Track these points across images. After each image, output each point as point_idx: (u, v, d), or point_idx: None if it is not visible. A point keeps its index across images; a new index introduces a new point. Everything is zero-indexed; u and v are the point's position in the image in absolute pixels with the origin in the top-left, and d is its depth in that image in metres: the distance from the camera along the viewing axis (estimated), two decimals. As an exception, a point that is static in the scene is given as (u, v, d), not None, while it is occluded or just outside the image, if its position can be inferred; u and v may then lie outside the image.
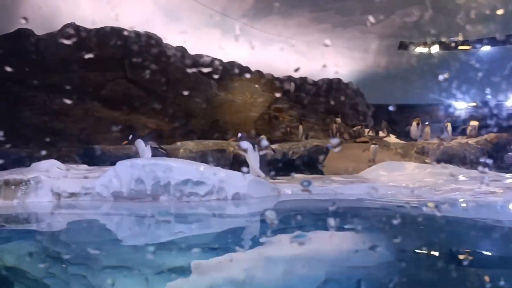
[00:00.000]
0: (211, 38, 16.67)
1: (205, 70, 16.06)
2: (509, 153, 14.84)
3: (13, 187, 6.68)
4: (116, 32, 13.22)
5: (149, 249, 4.43)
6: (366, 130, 21.40)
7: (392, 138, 20.80)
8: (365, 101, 24.61)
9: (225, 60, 17.02)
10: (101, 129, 12.55)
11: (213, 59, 17.27)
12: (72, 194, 6.69)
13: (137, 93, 13.68)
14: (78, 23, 12.79)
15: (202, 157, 11.05)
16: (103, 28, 13.18)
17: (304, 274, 3.56)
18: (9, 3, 12.71)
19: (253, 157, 8.29)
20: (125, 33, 13.48)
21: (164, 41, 14.80)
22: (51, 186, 6.70)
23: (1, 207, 6.45)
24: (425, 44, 24.30)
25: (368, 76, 24.20)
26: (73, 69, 12.70)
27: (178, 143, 11.58)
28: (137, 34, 13.76)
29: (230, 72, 16.44)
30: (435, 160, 14.28)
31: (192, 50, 16.48)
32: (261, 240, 4.84)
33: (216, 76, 16.10)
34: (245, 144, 8.45)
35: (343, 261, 3.94)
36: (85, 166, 8.41)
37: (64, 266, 3.89)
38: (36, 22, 12.94)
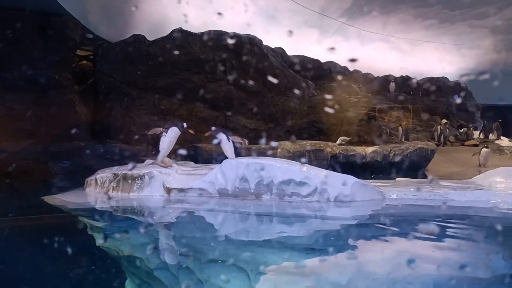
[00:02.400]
0: (310, 39, 16.63)
1: (303, 70, 16.04)
2: None
3: (130, 181, 7.27)
4: (218, 35, 13.81)
5: (252, 247, 4.50)
6: (475, 132, 19.66)
7: (505, 141, 18.90)
8: (474, 101, 22.67)
9: (323, 60, 16.88)
10: (204, 129, 13.17)
11: (311, 59, 17.30)
12: (181, 190, 7.07)
13: (237, 94, 14.13)
14: (184, 28, 13.64)
15: (299, 157, 11.03)
16: (207, 32, 13.85)
17: (406, 283, 3.33)
18: (126, 12, 13.94)
19: (228, 147, 7.98)
20: (227, 36, 14.01)
21: (264, 42, 15.09)
22: (163, 181, 7.16)
23: (119, 199, 7.06)
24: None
25: (478, 74, 22.23)
26: (179, 72, 13.52)
27: (276, 143, 11.71)
28: (238, 36, 14.20)
29: (328, 72, 16.25)
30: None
31: (290, 51, 16.61)
32: (362, 244, 4.66)
33: (313, 76, 16.02)
34: (220, 135, 8.14)
35: (451, 271, 3.62)
36: (192, 164, 8.84)
37: (173, 257, 4.09)
38: (148, 28, 14.03)
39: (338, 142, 13.59)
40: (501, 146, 17.21)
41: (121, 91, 13.11)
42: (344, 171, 9.74)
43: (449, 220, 5.73)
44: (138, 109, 13.29)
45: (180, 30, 13.36)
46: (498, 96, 19.99)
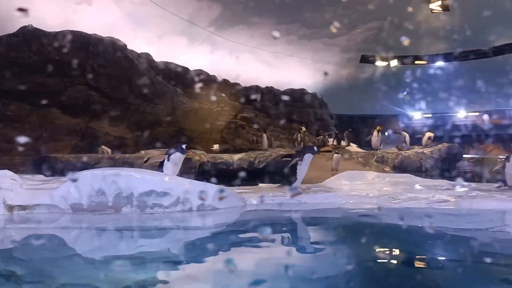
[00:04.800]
0: (178, 46, 16.49)
1: (171, 77, 15.83)
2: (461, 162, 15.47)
3: (-40, 199, 6.25)
4: (77, 36, 12.82)
5: (110, 265, 4.24)
6: (330, 140, 21.68)
7: (354, 147, 21.16)
8: (328, 111, 25.07)
9: (191, 68, 16.92)
10: (59, 137, 12.05)
11: (180, 67, 17.18)
12: (26, 207, 6.33)
13: (99, 100, 13.27)
14: (35, 26, 12.33)
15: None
16: (62, 31, 12.72)
17: (271, 286, 3.50)
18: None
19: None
20: (87, 37, 13.11)
21: (129, 47, 14.50)
22: (4, 198, 6.31)
23: None
24: (385, 58, 25.16)
25: (331, 87, 24.74)
26: (30, 74, 12.15)
27: (142, 152, 11.31)
28: (100, 39, 13.38)
29: (197, 80, 16.33)
30: (393, 168, 14.63)
31: (158, 57, 16.28)
32: (226, 252, 4.75)
33: (182, 84, 15.94)
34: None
35: (309, 271, 3.92)
36: (41, 177, 8.01)
37: (17, 285, 3.64)
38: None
39: (214, 148, 13.82)
40: (350, 152, 19.27)
41: (-44, 94, 11.26)
42: (212, 179, 9.84)
43: (301, 222, 6.20)
44: (-22, 115, 11.56)
45: (30, 28, 12.01)
46: (348, 107, 22.54)
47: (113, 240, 5.51)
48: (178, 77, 16.12)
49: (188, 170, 11.32)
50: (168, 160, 7.70)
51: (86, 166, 8.35)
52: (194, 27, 17.79)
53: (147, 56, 15.38)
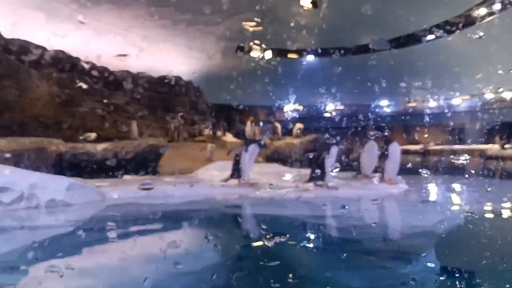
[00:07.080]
0: (34, 23, 14.53)
1: (24, 57, 13.99)
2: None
3: None
4: None
5: None
6: (206, 129, 21.73)
7: (229, 137, 21.57)
8: (205, 100, 25.04)
9: (50, 48, 15.18)
10: None
11: (35, 46, 15.28)
12: None
13: None
14: None
15: (16, 158, 9.59)
16: None
17: (133, 283, 3.37)
18: None
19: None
20: None
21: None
22: None
23: None
24: (259, 49, 26.02)
25: (208, 76, 24.71)
26: None
27: (-15, 141, 9.77)
28: None
29: (56, 61, 14.72)
30: (266, 159, 15.26)
31: (8, 33, 14.28)
32: (79, 253, 4.35)
33: (37, 65, 14.21)
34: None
35: (170, 263, 3.80)
36: None
37: None
38: None
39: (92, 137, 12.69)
40: (225, 142, 19.58)
41: None
42: (72, 171, 9.01)
43: (163, 216, 6.00)
44: None
45: None
46: (225, 97, 22.77)
47: None
48: (33, 57, 14.28)
49: (43, 162, 10.18)
50: (246, 151, 7.98)
51: None
52: (53, 2, 15.93)
53: (-7, 31, 13.32)
